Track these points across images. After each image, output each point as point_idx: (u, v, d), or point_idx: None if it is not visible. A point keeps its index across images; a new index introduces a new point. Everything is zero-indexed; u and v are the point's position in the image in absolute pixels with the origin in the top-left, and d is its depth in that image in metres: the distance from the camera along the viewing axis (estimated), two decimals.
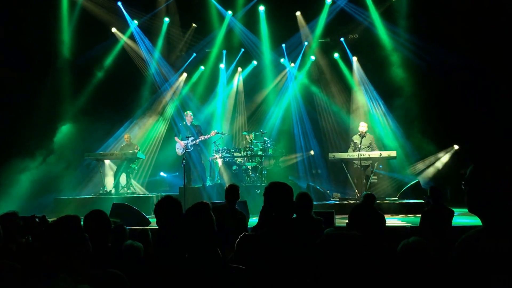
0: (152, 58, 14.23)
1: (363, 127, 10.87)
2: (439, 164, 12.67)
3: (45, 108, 12.10)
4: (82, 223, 3.52)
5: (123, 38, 13.87)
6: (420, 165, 12.83)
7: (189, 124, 11.75)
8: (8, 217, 4.35)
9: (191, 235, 2.91)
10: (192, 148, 11.46)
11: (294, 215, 4.63)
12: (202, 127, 12.33)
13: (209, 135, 11.60)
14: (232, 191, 6.03)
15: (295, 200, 4.73)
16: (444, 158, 12.65)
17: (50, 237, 2.56)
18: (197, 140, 11.45)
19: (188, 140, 11.41)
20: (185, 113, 12.05)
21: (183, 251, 2.99)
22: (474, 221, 6.24)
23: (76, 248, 2.52)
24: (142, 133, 14.20)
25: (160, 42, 14.32)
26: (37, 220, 4.62)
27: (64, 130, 12.50)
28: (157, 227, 6.63)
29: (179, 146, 11.67)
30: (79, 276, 2.49)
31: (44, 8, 11.85)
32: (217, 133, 11.80)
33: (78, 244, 2.54)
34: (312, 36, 14.25)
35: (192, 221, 2.94)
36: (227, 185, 6.29)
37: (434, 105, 12.24)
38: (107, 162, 12.19)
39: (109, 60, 13.46)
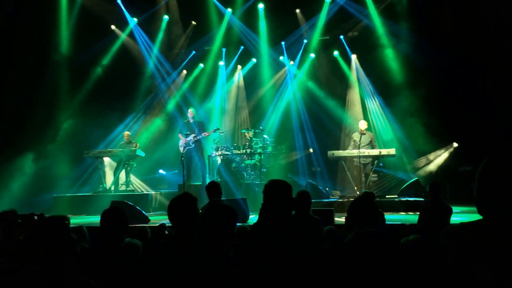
0: (152, 55, 14.21)
1: (362, 125, 10.88)
2: (438, 162, 12.68)
3: (44, 106, 12.10)
4: (100, 220, 3.51)
5: (123, 36, 13.85)
6: (419, 163, 12.83)
7: (191, 121, 11.77)
8: (6, 215, 4.35)
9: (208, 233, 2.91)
10: (194, 145, 11.46)
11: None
12: (201, 125, 12.31)
13: (209, 132, 11.61)
14: (214, 188, 5.94)
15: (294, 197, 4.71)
16: (443, 156, 12.65)
17: (41, 235, 2.57)
18: (198, 137, 11.45)
19: (189, 137, 11.40)
20: (189, 110, 12.08)
21: (190, 248, 2.98)
22: (470, 219, 6.19)
23: (61, 248, 2.51)
24: (141, 131, 14.18)
25: (160, 39, 14.30)
26: (36, 218, 4.62)
27: (63, 128, 12.48)
28: (155, 225, 6.64)
29: (182, 143, 11.70)
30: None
31: (43, 6, 11.84)
32: (217, 130, 11.80)
33: (64, 244, 2.54)
34: (311, 34, 14.24)
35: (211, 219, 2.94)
36: (207, 183, 6.14)
37: (433, 103, 12.24)
38: (106, 159, 12.18)
39: (108, 58, 13.45)
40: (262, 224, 3.30)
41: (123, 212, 3.58)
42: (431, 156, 12.77)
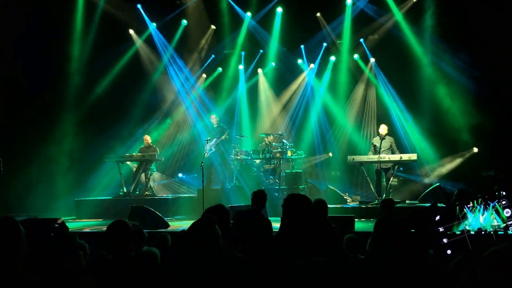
0: (171, 59, 14.26)
1: (383, 129, 10.72)
2: (456, 165, 12.46)
3: (63, 110, 12.26)
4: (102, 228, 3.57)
5: (140, 40, 13.92)
6: (440, 168, 12.63)
7: (215, 126, 12.03)
8: (26, 224, 4.36)
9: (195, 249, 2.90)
10: (214, 149, 11.59)
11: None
12: (223, 129, 12.38)
13: (221, 138, 11.65)
14: (259, 197, 5.93)
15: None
16: (461, 160, 12.43)
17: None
18: (217, 141, 11.57)
19: (211, 142, 11.54)
20: (211, 115, 12.35)
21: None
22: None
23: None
24: (161, 135, 14.25)
25: (179, 44, 14.33)
26: (57, 226, 4.65)
27: (84, 133, 12.54)
28: (176, 230, 6.61)
29: (206, 148, 11.84)
30: None
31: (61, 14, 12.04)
32: (226, 135, 11.89)
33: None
34: (331, 37, 14.14)
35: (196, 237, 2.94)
36: (255, 190, 6.13)
37: (454, 106, 12.09)
38: (127, 163, 12.29)
39: (126, 62, 13.47)
40: (283, 235, 3.32)
41: (126, 225, 3.61)
42: (450, 160, 12.55)
